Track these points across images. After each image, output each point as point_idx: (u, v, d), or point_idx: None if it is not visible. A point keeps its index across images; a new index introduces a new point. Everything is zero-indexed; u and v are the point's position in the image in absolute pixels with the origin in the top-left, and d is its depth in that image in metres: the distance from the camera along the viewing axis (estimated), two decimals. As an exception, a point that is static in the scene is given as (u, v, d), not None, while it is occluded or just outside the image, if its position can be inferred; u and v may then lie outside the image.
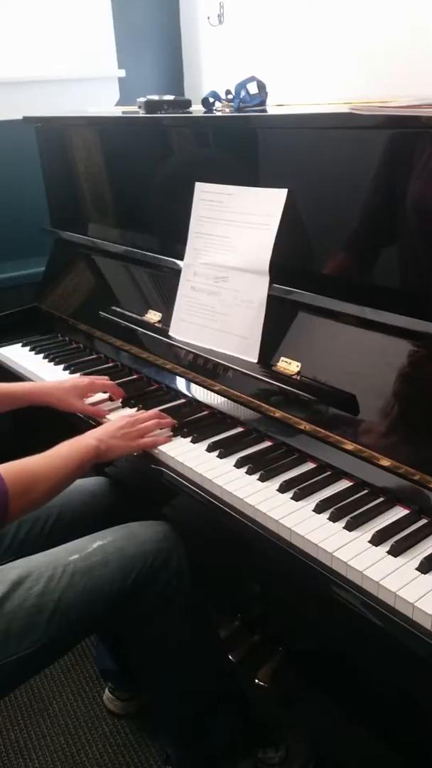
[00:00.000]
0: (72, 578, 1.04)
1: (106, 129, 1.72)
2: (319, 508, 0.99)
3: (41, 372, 1.58)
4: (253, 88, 1.44)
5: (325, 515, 0.98)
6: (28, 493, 1.02)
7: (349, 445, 1.06)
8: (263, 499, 1.03)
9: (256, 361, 1.26)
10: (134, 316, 1.55)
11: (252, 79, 1.44)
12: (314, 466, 1.11)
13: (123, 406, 1.38)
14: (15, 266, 2.30)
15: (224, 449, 1.16)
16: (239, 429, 1.24)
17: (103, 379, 1.43)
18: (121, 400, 1.39)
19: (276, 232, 1.22)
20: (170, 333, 1.43)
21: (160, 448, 1.20)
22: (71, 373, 1.55)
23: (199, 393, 1.34)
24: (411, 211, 1.05)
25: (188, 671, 1.19)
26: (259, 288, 1.26)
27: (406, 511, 0.98)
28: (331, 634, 1.05)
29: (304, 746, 1.36)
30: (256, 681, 1.37)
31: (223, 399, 1.29)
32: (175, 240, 1.44)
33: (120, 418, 1.24)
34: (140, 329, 1.50)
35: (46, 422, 1.43)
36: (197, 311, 1.37)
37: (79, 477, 1.14)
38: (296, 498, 1.02)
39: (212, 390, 1.32)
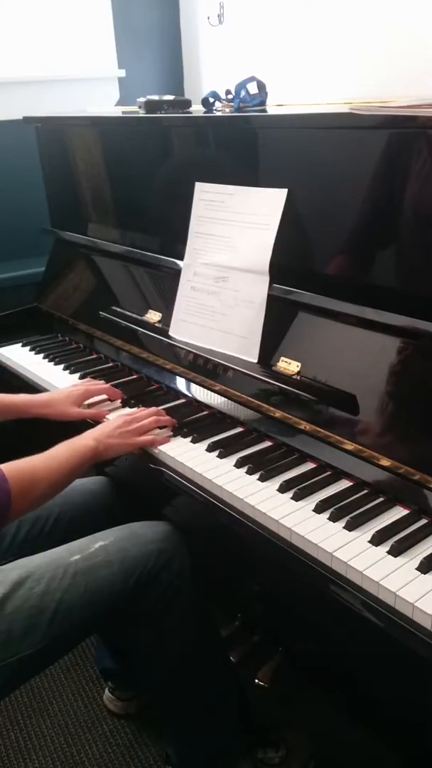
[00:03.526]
0: (74, 579, 1.04)
1: (106, 129, 1.72)
2: (319, 508, 0.99)
3: (41, 372, 1.58)
4: (253, 88, 1.44)
5: (325, 515, 0.98)
6: (30, 493, 1.03)
7: (349, 445, 1.06)
8: (263, 499, 1.03)
9: (256, 361, 1.26)
10: (134, 316, 1.55)
11: (252, 79, 1.44)
12: (314, 466, 1.11)
13: (123, 406, 1.38)
14: (15, 266, 2.30)
15: (224, 449, 1.16)
16: (239, 429, 1.24)
17: (98, 384, 1.42)
18: (120, 400, 1.39)
19: (276, 232, 1.22)
20: (170, 333, 1.43)
21: (160, 448, 1.20)
22: (71, 373, 1.55)
23: (199, 393, 1.34)
24: (411, 211, 1.05)
25: (188, 671, 1.19)
26: (259, 288, 1.26)
27: (406, 511, 0.98)
28: (331, 634, 1.04)
29: (304, 746, 1.36)
30: (256, 681, 1.36)
31: (223, 399, 1.29)
32: (175, 240, 1.44)
33: (118, 417, 1.24)
34: (140, 329, 1.50)
35: (46, 423, 1.43)
36: (197, 311, 1.37)
37: (78, 477, 1.14)
38: (296, 498, 1.02)
39: (212, 390, 1.32)
